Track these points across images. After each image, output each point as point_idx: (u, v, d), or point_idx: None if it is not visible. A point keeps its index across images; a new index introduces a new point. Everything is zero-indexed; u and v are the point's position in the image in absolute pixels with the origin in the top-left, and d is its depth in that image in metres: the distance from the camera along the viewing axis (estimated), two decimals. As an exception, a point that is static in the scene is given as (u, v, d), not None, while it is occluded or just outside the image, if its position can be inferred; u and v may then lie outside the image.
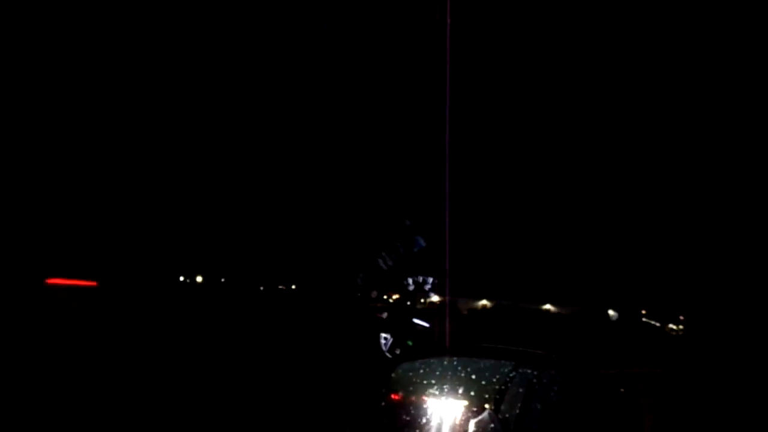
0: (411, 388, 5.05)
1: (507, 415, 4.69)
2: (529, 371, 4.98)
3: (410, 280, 7.36)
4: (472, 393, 4.81)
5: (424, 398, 4.97)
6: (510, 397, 4.81)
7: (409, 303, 7.26)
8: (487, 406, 4.75)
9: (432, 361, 5.19)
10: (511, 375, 4.87)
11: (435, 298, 7.41)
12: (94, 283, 14.34)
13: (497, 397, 4.78)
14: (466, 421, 4.75)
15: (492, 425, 4.63)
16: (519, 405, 4.82)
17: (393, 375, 5.18)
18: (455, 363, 5.08)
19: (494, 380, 4.84)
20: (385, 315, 7.15)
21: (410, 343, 6.61)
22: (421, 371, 5.13)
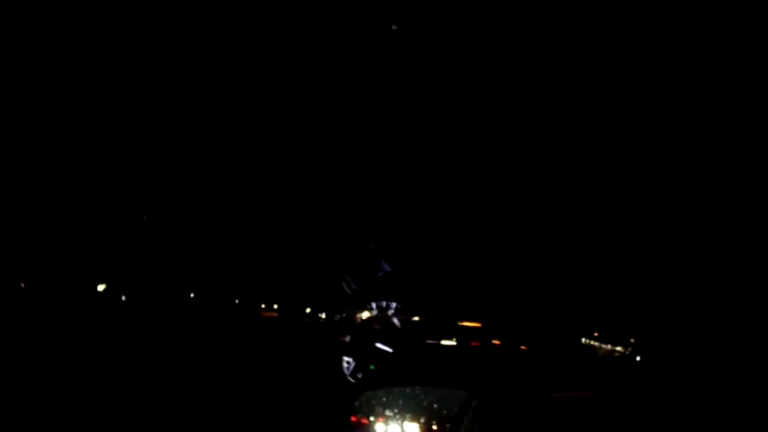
0: (373, 415, 5.25)
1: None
2: (485, 400, 5.24)
3: (374, 305, 7.53)
4: (433, 421, 5.03)
5: (386, 424, 5.18)
6: (468, 424, 5.06)
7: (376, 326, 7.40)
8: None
9: (394, 389, 5.40)
10: (469, 404, 5.11)
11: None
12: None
13: (456, 425, 5.01)
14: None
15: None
16: (476, 432, 5.07)
17: (356, 403, 5.37)
18: (417, 391, 5.30)
19: (454, 409, 5.08)
20: (348, 339, 7.29)
21: (372, 367, 6.77)
22: (384, 399, 5.34)
